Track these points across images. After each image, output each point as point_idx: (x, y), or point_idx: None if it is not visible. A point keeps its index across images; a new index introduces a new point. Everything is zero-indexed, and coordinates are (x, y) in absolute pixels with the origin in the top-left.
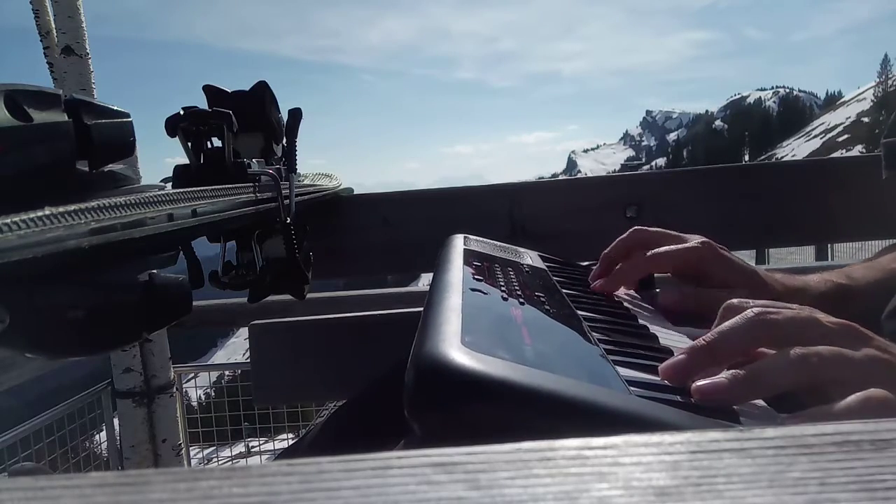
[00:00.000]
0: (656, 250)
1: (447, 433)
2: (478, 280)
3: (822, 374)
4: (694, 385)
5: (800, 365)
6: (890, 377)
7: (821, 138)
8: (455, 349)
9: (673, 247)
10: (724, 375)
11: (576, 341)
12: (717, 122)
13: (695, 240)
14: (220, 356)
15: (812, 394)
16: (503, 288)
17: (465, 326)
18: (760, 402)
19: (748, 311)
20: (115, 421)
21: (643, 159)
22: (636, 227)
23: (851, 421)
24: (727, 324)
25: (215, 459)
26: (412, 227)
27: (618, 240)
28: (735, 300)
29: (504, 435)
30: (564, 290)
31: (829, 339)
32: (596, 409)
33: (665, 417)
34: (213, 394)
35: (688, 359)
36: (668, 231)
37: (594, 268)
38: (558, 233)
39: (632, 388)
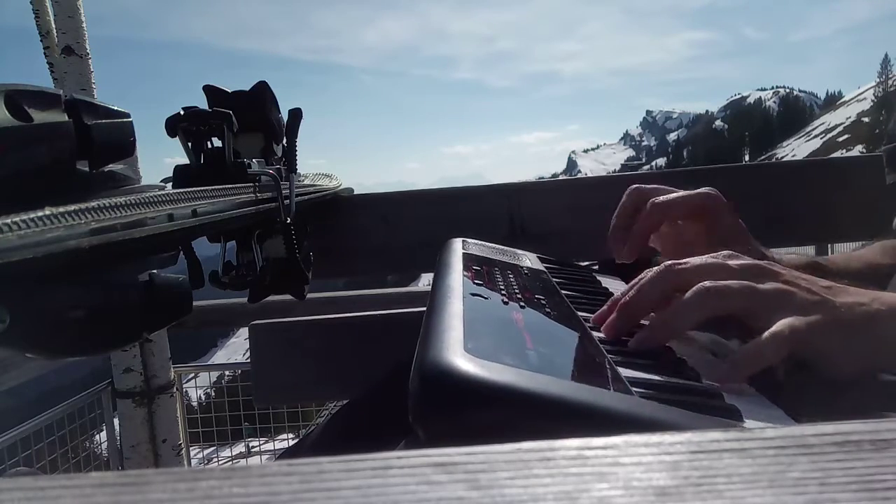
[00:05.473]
0: (663, 198)
1: (453, 440)
2: (478, 284)
3: (731, 303)
4: (630, 341)
5: (709, 296)
6: (795, 305)
7: (821, 138)
8: (458, 356)
9: (682, 193)
10: (648, 323)
11: (578, 343)
12: (717, 123)
13: (703, 189)
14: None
15: (731, 330)
16: (503, 292)
17: (467, 333)
18: (758, 397)
19: (660, 265)
20: (116, 421)
21: (643, 159)
22: (634, 186)
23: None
24: (643, 281)
25: (215, 459)
26: (412, 227)
27: (620, 205)
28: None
29: (509, 440)
30: (564, 292)
31: (738, 278)
32: (601, 412)
33: (668, 418)
34: (213, 394)
35: (616, 317)
36: (665, 186)
37: (610, 236)
38: (558, 233)
39: (634, 389)
